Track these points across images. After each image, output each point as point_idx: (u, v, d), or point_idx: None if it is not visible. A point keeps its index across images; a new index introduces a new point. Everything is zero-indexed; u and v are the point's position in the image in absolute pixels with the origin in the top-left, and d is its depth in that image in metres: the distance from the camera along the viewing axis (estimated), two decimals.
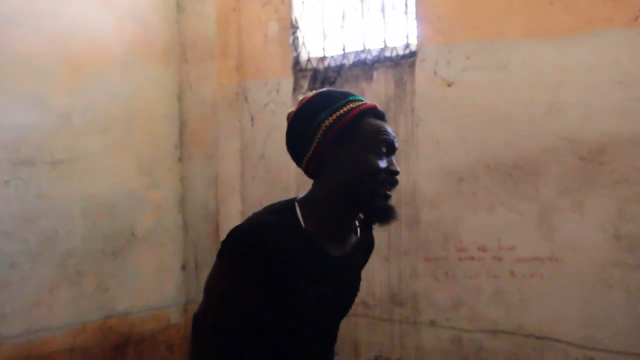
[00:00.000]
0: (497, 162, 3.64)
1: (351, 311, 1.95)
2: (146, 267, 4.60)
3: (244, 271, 1.62)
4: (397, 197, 3.87)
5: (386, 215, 1.70)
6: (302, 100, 1.81)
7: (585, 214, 3.38)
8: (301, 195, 1.78)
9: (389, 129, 1.76)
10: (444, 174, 3.84)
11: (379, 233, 2.01)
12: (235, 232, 1.63)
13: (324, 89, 1.85)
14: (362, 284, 1.96)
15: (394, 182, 1.73)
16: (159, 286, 4.69)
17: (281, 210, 1.72)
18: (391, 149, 1.73)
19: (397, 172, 1.73)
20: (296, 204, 1.73)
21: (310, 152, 1.74)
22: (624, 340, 3.27)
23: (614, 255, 3.30)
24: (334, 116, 1.71)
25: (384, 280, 4.07)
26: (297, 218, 1.70)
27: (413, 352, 3.97)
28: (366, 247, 1.95)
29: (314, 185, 1.76)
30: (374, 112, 1.76)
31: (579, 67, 3.37)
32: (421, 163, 3.92)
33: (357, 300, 1.95)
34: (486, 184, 3.68)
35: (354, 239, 1.84)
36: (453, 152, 3.80)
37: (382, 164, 1.69)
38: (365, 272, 1.96)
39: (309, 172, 1.77)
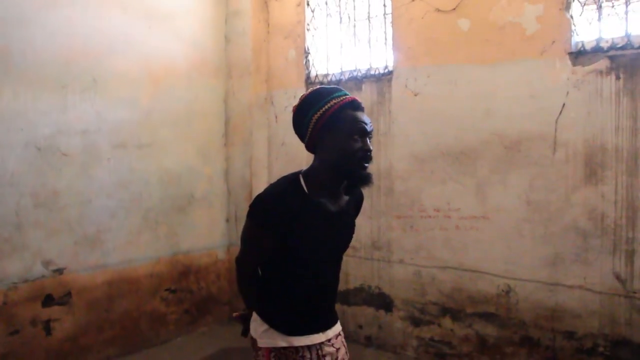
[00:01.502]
0: (448, 149, 3.72)
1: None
2: (201, 220, 4.66)
3: (260, 225, 1.73)
4: (377, 173, 3.98)
5: (364, 181, 1.74)
6: (301, 97, 1.80)
7: (507, 186, 3.48)
8: (305, 168, 1.81)
9: (364, 117, 1.74)
10: (411, 157, 3.89)
11: (365, 199, 2.07)
12: (255, 199, 1.74)
13: (318, 87, 1.82)
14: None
15: (368, 157, 1.72)
16: (210, 233, 4.74)
17: (289, 181, 1.77)
18: (364, 133, 1.71)
19: (369, 150, 1.72)
20: (300, 175, 1.78)
21: (307, 137, 1.77)
22: (531, 272, 3.40)
23: (526, 215, 3.41)
24: (321, 111, 1.72)
25: (368, 231, 4.13)
26: (301, 185, 1.75)
27: (387, 282, 4.07)
28: (356, 201, 1.97)
29: (313, 160, 1.80)
30: (352, 105, 1.74)
31: (504, 85, 3.45)
32: (395, 150, 3.98)
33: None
34: (440, 165, 3.76)
35: (346, 196, 1.86)
36: (418, 142, 3.86)
37: (357, 145, 1.70)
38: (355, 227, 1.99)
39: (309, 150, 1.81)
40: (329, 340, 1.87)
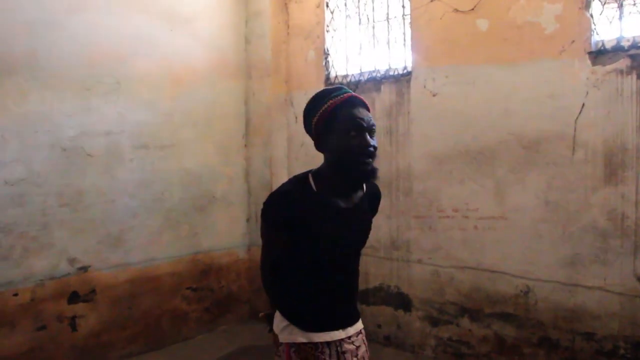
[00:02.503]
0: (466, 149, 3.71)
1: (363, 251, 1.99)
2: (222, 219, 4.70)
3: (270, 223, 1.79)
4: (396, 173, 4.02)
5: (365, 176, 1.76)
6: (308, 101, 1.85)
7: (525, 186, 3.46)
8: (316, 168, 1.85)
9: (361, 113, 1.74)
10: (430, 157, 3.90)
11: (384, 199, 2.09)
12: (266, 200, 1.79)
13: (321, 90, 1.87)
14: (371, 233, 1.99)
15: (368, 153, 1.72)
16: (231, 232, 4.78)
17: (298, 179, 1.81)
18: (361, 128, 1.72)
19: (369, 145, 1.72)
20: (310, 174, 1.81)
21: (314, 140, 1.83)
22: (549, 273, 3.39)
23: (544, 215, 3.39)
24: (319, 113, 1.77)
25: (387, 231, 4.14)
26: (310, 184, 1.78)
27: (406, 281, 4.07)
28: (371, 198, 1.96)
29: (323, 160, 1.84)
30: (348, 102, 1.76)
31: (523, 85, 3.44)
32: (414, 150, 3.98)
33: (367, 244, 1.98)
34: (459, 165, 3.76)
35: (360, 193, 1.88)
36: (436, 142, 3.86)
37: (355, 142, 1.71)
38: (373, 226, 2.00)
39: (318, 150, 1.84)
40: (349, 338, 1.87)
